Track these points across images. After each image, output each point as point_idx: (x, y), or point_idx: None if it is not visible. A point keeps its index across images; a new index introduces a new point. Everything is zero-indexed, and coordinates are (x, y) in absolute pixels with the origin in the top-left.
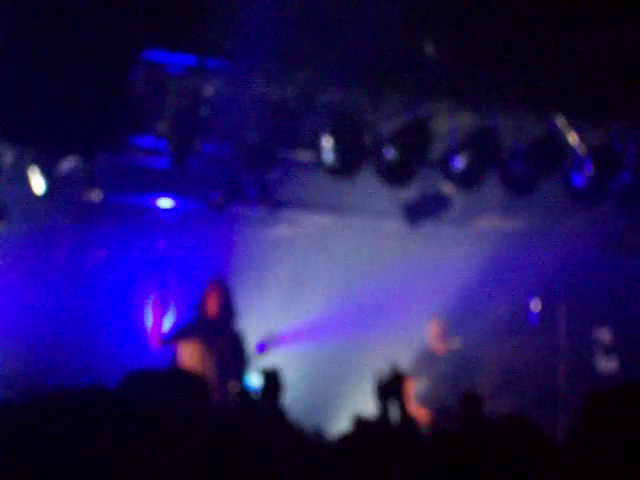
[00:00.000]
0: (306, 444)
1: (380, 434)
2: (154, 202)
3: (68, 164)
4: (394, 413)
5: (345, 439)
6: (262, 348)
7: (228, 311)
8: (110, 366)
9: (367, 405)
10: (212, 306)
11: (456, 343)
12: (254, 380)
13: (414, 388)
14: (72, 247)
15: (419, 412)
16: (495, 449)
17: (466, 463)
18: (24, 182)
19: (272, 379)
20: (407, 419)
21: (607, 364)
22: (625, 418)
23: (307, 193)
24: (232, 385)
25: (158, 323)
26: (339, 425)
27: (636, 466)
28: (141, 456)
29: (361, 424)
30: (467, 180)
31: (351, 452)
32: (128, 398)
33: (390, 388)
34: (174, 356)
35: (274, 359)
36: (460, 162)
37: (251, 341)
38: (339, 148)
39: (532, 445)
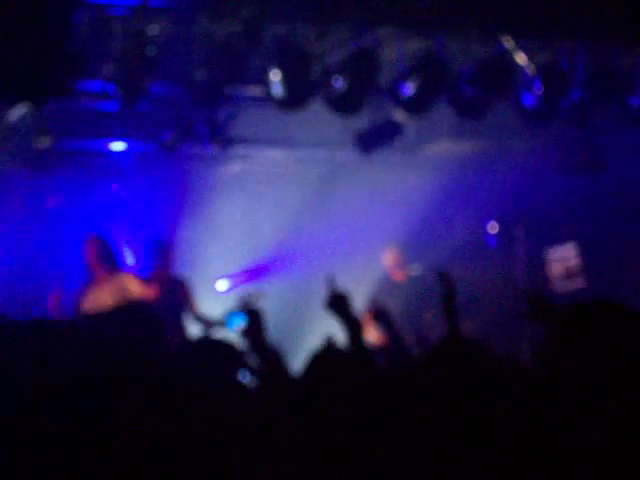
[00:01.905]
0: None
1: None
2: (106, 146)
3: (17, 112)
4: (345, 336)
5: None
6: None
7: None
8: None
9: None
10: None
11: (416, 270)
12: (236, 320)
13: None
14: (24, 195)
15: (379, 338)
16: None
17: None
18: None
19: (255, 318)
20: (359, 345)
21: (566, 284)
22: (593, 332)
23: (258, 128)
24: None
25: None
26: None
27: (606, 380)
28: (94, 384)
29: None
30: (417, 106)
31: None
32: (80, 332)
33: (333, 308)
34: None
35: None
36: (409, 88)
37: (209, 280)
38: (287, 81)
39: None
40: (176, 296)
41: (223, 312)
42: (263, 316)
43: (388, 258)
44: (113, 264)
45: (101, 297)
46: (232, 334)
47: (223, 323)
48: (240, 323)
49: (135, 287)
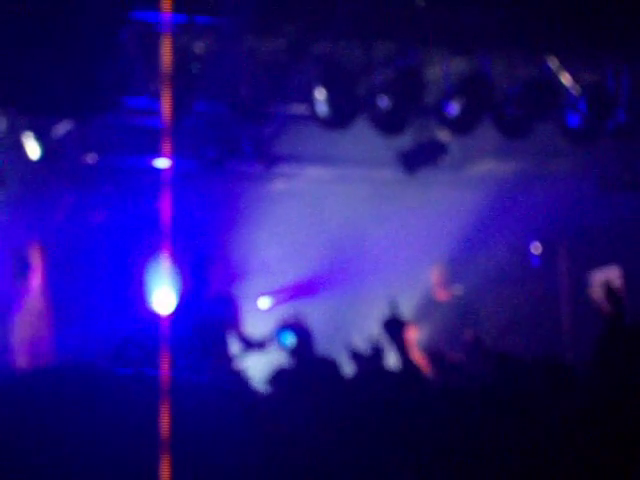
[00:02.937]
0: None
1: (380, 379)
2: (150, 163)
3: (62, 128)
4: (395, 358)
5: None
6: None
7: None
8: (108, 332)
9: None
10: None
11: (458, 290)
12: (287, 338)
13: (417, 335)
14: (69, 211)
15: (422, 360)
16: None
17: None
18: (19, 148)
19: (304, 335)
20: (409, 365)
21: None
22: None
23: (302, 146)
24: None
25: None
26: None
27: None
28: None
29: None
30: (461, 126)
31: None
32: None
33: (389, 331)
34: None
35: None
36: (454, 108)
37: (252, 298)
38: (332, 99)
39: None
40: (224, 314)
41: (269, 330)
42: (312, 333)
43: (433, 276)
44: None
45: None
46: (280, 352)
47: (269, 341)
48: (290, 340)
49: None
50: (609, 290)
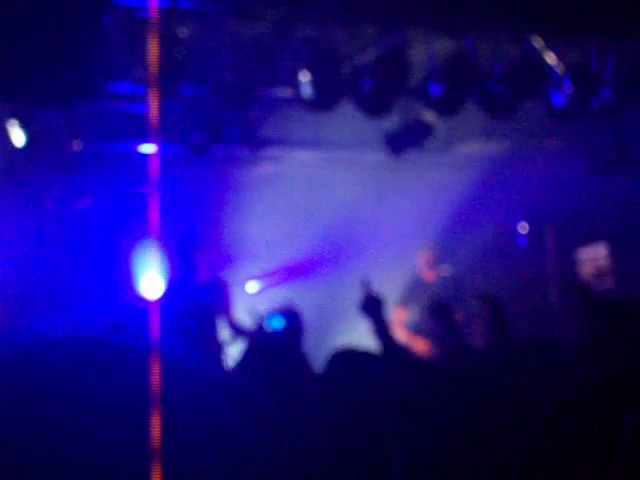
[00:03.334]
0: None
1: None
2: (136, 148)
3: (48, 115)
4: (376, 339)
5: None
6: None
7: None
8: (96, 317)
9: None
10: None
11: (446, 271)
12: (276, 321)
13: (406, 317)
14: (55, 198)
15: (413, 341)
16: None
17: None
18: (4, 135)
19: (294, 320)
20: (391, 346)
21: (596, 284)
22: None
23: (288, 130)
24: None
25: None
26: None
27: None
28: None
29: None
30: (447, 106)
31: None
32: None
33: (366, 311)
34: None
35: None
36: (439, 89)
37: (241, 283)
38: (317, 82)
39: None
40: (214, 300)
41: (258, 314)
42: (302, 318)
43: (422, 258)
44: None
45: None
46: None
47: (259, 325)
48: (280, 325)
49: None
50: (596, 268)
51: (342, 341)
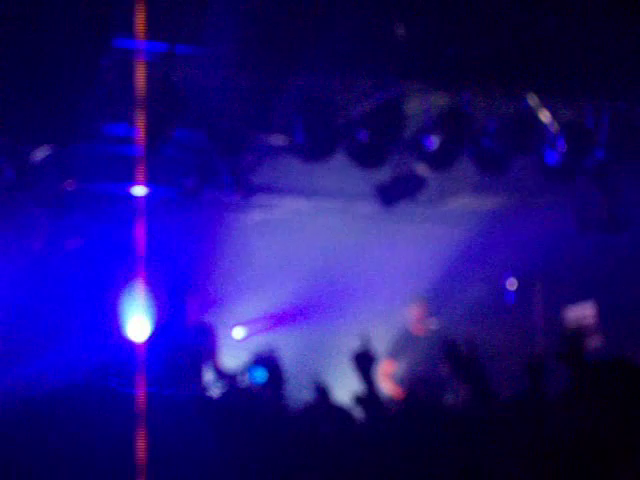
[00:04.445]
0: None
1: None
2: (127, 190)
3: (41, 153)
4: (363, 391)
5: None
6: None
7: None
8: (84, 358)
9: (348, 389)
10: None
11: (433, 324)
12: (259, 374)
13: (393, 369)
14: (46, 237)
15: (395, 391)
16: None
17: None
18: None
19: (275, 370)
20: (377, 399)
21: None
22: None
23: (280, 177)
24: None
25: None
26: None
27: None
28: None
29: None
30: (440, 160)
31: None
32: None
33: (359, 365)
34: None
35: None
36: (433, 142)
37: (227, 328)
38: (311, 131)
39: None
40: (201, 343)
41: (242, 365)
42: (283, 370)
43: (412, 311)
44: None
45: None
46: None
47: (242, 376)
48: (261, 377)
49: None
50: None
51: (325, 390)
